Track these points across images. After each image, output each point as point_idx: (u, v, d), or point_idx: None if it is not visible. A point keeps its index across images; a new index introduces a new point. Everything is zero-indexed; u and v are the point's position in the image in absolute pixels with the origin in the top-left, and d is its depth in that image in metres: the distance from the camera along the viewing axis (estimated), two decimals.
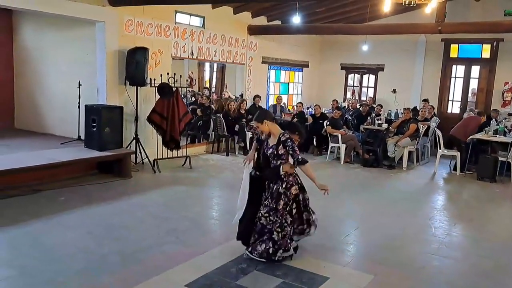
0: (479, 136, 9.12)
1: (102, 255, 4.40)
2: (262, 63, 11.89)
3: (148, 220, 5.55)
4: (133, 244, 4.69)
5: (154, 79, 7.88)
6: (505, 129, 9.23)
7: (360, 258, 4.67)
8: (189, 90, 14.20)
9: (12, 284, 3.76)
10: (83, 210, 5.78)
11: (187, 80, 10.95)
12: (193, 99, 13.03)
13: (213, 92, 13.73)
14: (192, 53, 9.56)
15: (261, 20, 11.38)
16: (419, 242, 5.25)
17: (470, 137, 8.97)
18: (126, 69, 7.79)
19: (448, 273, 4.43)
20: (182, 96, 13.81)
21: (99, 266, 4.14)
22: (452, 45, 12.39)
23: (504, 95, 11.77)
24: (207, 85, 15.27)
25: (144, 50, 7.74)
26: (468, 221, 6.27)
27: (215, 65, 14.60)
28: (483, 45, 12.03)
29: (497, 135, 8.89)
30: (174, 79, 8.11)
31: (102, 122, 7.20)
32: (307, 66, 13.85)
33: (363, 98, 13.83)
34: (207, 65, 15.04)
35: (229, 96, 12.41)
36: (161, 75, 7.94)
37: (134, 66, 7.67)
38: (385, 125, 9.96)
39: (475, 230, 5.84)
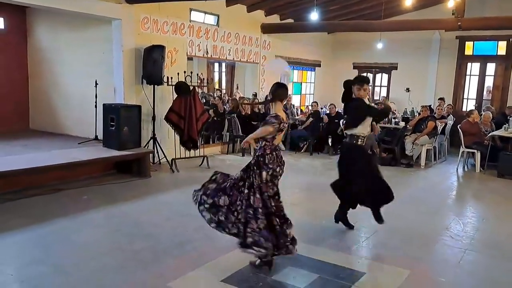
0: (499, 133, 9.01)
1: (134, 252, 4.32)
2: None
3: (175, 217, 5.46)
4: (164, 241, 4.63)
5: (171, 78, 7.82)
6: None
7: (393, 254, 4.54)
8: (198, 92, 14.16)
9: (48, 281, 3.66)
10: (109, 209, 5.71)
11: (198, 78, 10.85)
12: (204, 100, 12.98)
13: (224, 93, 13.66)
14: (207, 51, 9.50)
15: (275, 19, 11.33)
16: (449, 238, 5.13)
17: (490, 134, 8.87)
18: (143, 68, 7.74)
19: (487, 268, 4.31)
20: None
21: (133, 263, 4.06)
22: (467, 43, 12.28)
23: None
24: (217, 86, 15.23)
25: (161, 48, 7.68)
26: (495, 217, 6.15)
27: (223, 65, 14.56)
28: (499, 42, 11.91)
29: None
30: (190, 77, 8.03)
31: (121, 121, 7.14)
32: (319, 65, 13.78)
33: (376, 97, 13.75)
34: (216, 65, 14.98)
35: (240, 97, 12.34)
36: (177, 73, 7.88)
37: (151, 64, 7.62)
38: (402, 124, 9.84)
39: (505, 227, 5.72)
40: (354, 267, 4.09)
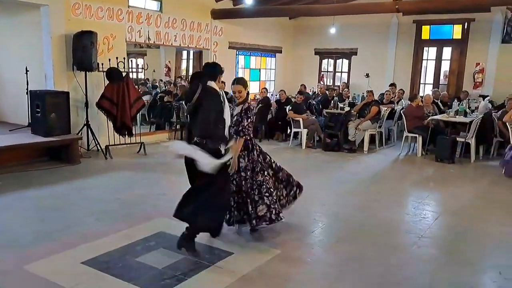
0: (439, 117, 9.00)
1: (18, 234, 4.37)
2: (229, 48, 11.74)
3: (79, 202, 5.49)
4: (53, 224, 4.65)
5: (102, 64, 7.77)
6: (468, 109, 9.10)
7: (275, 236, 4.48)
8: (161, 80, 14.17)
9: None
10: (18, 194, 5.72)
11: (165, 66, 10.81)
12: (166, 88, 12.98)
13: (182, 80, 13.62)
14: (149, 38, 9.43)
15: (227, 4, 11.23)
16: (337, 219, 5.15)
17: (429, 118, 8.85)
18: (73, 54, 7.69)
19: (356, 250, 4.34)
20: (156, 86, 13.89)
21: (10, 245, 4.09)
22: (423, 27, 12.20)
23: (475, 77, 11.60)
24: (184, 73, 15.19)
25: (90, 34, 7.61)
26: (410, 199, 6.18)
27: (191, 53, 14.48)
28: (454, 25, 11.83)
29: (457, 116, 8.76)
30: (124, 63, 7.99)
31: (47, 107, 7.12)
32: (280, 51, 13.70)
33: (337, 83, 13.70)
34: (184, 54, 14.91)
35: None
36: (109, 59, 7.83)
37: (81, 50, 7.57)
38: (347, 109, 9.82)
39: (413, 208, 5.73)
40: (225, 248, 4.10)
